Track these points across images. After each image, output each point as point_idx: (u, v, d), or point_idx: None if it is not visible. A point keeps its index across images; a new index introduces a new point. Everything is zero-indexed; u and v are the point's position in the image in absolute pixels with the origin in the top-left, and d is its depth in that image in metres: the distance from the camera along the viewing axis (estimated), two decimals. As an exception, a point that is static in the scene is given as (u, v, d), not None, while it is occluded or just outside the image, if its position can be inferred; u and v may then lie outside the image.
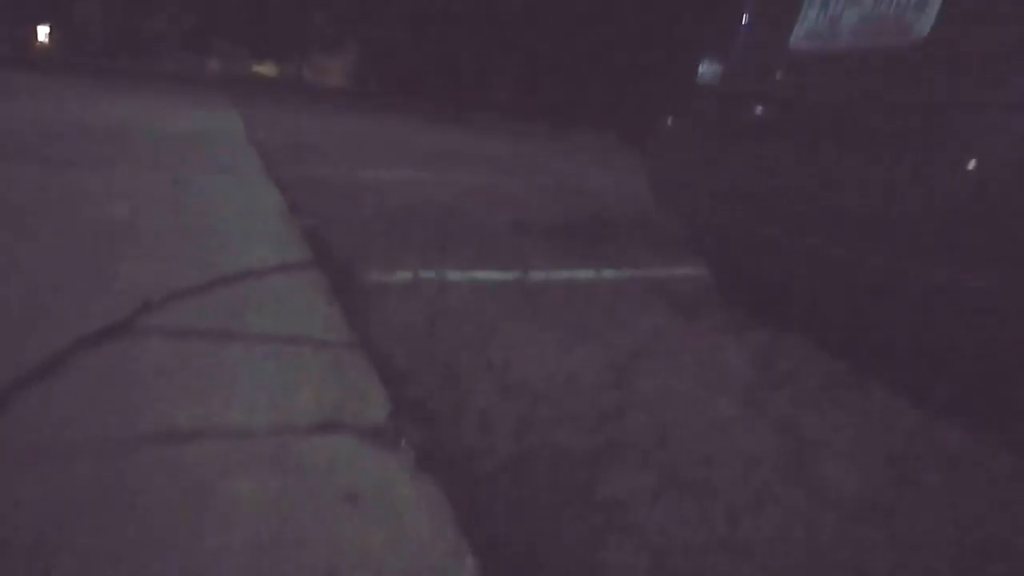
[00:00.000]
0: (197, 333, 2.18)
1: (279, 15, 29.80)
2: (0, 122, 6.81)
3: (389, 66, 24.63)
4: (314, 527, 1.34)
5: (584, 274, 3.59)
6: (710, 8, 3.06)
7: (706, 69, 2.87)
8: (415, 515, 1.41)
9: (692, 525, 1.55)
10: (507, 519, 1.51)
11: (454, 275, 3.33)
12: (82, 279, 2.55)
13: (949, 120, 1.87)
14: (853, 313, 2.63)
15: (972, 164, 1.74)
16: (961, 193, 1.76)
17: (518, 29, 16.99)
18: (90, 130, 6.82)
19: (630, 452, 1.84)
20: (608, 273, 3.65)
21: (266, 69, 37.49)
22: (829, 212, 2.18)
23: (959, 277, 1.82)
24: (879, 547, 1.54)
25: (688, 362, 2.50)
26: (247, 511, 1.36)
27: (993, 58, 1.80)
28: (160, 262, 2.84)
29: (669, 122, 3.12)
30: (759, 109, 2.53)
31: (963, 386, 2.31)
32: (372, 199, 5.09)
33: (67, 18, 33.21)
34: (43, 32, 35.75)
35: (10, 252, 2.77)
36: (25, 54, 25.31)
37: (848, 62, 2.23)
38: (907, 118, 1.97)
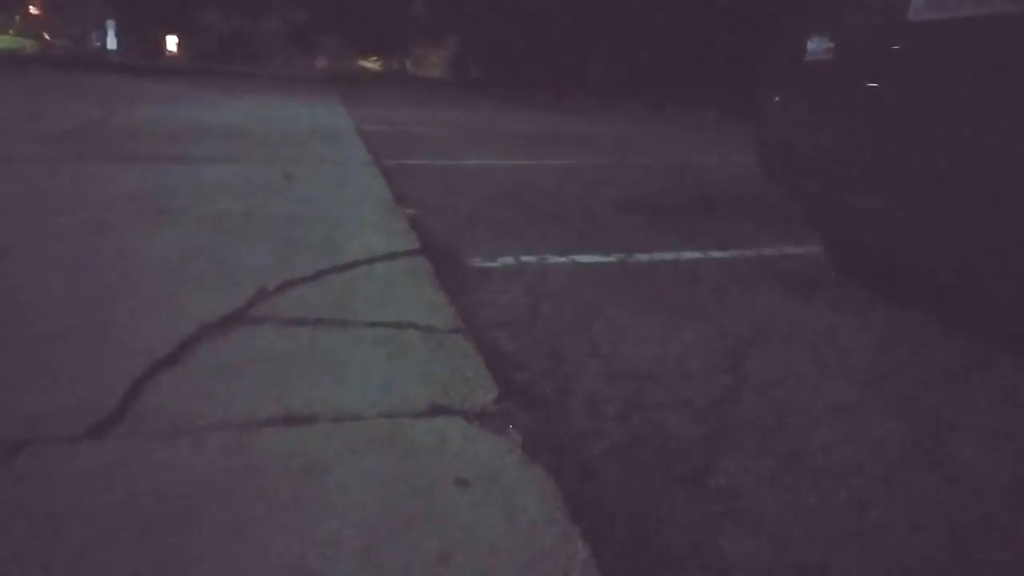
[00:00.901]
0: (310, 321, 2.25)
1: (382, 9, 30.55)
2: (131, 126, 7.30)
3: (488, 55, 24.82)
4: (425, 510, 1.35)
5: (690, 254, 3.48)
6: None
7: (816, 45, 2.76)
8: (525, 499, 1.40)
9: (816, 514, 1.47)
10: (618, 505, 1.48)
11: (556, 259, 3.30)
12: (202, 268, 2.69)
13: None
14: (983, 287, 2.42)
15: None
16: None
17: (614, 10, 16.70)
18: (209, 130, 7.20)
19: (746, 437, 1.76)
20: (715, 253, 3.53)
21: (371, 64, 38.55)
22: (957, 185, 2.02)
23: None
24: (1029, 542, 1.41)
25: (804, 343, 2.38)
26: (360, 492, 1.39)
27: None
28: (273, 252, 2.95)
29: (777, 99, 2.99)
30: (877, 81, 2.38)
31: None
32: (474, 185, 5.13)
33: (191, 27, 35.31)
34: (172, 43, 38.18)
35: (141, 244, 2.96)
36: (156, 64, 27.11)
37: (973, 30, 2.05)
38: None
